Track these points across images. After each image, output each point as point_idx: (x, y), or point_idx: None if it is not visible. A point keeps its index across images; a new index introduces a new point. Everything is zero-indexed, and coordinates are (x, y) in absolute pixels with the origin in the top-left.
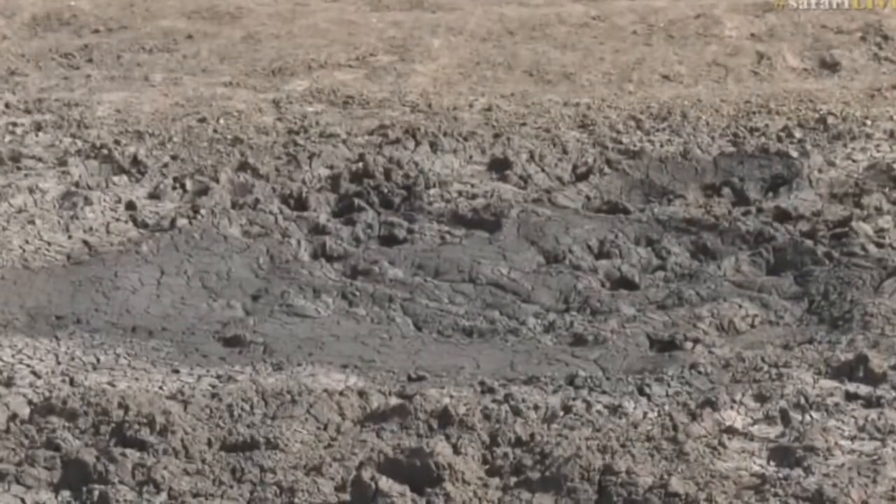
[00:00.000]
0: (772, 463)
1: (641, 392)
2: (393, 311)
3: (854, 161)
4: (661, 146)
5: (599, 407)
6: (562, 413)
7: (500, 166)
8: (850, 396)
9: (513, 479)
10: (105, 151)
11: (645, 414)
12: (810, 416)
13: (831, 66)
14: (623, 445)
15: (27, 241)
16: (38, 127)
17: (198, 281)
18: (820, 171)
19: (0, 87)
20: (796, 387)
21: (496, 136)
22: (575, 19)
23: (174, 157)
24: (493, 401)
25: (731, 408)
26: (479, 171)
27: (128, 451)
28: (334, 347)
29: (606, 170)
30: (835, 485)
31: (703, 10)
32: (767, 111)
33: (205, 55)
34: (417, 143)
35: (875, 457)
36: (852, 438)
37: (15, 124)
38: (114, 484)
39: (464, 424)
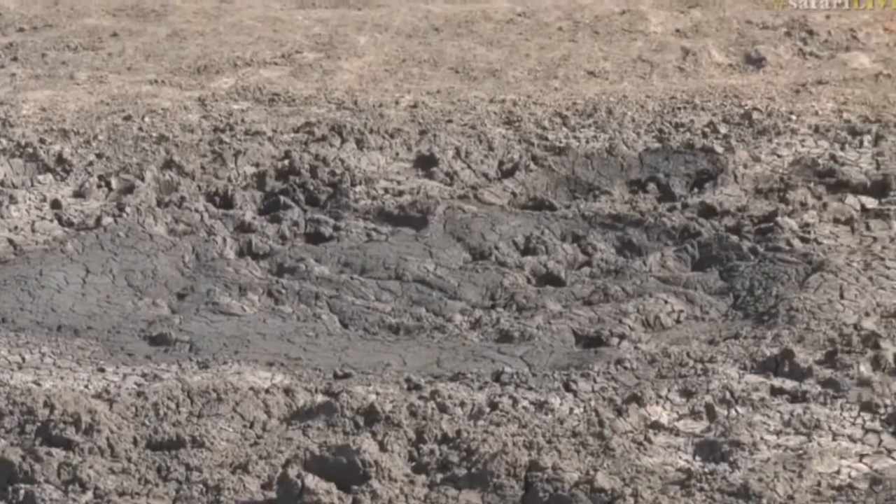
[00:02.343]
0: (697, 458)
1: (567, 388)
2: (319, 308)
3: (779, 156)
4: (587, 142)
5: (525, 403)
6: (488, 410)
7: (426, 163)
8: (776, 391)
9: (439, 476)
10: (30, 150)
11: (571, 410)
12: (736, 411)
13: (756, 62)
14: (549, 441)
15: None
16: None
17: (123, 279)
18: (745, 166)
19: None
20: (722, 382)
21: (422, 132)
22: (500, 16)
23: (99, 156)
24: (420, 398)
25: (657, 403)
26: (406, 168)
27: (53, 450)
28: (260, 345)
29: (532, 166)
30: (760, 479)
31: (629, 6)
32: (692, 107)
33: (130, 53)
34: (343, 141)
35: (800, 451)
36: (778, 433)
37: None
38: (40, 483)
39: (390, 421)
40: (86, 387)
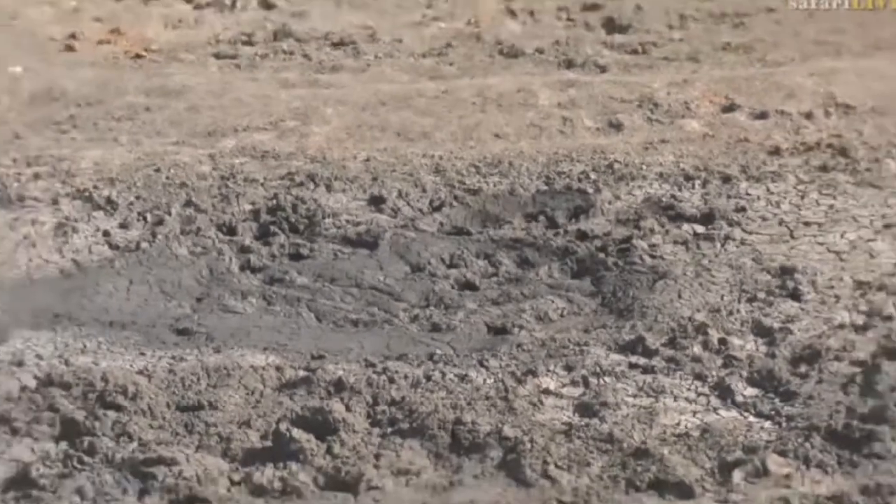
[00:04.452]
0: (577, 414)
1: (482, 364)
2: (300, 308)
3: (634, 195)
4: (494, 186)
5: (451, 376)
6: (424, 381)
7: (377, 202)
8: (632, 366)
9: (389, 429)
10: (86, 194)
11: (485, 380)
12: (604, 380)
13: (616, 126)
14: (469, 403)
15: (30, 260)
16: (37, 176)
17: (157, 288)
18: (609, 203)
19: (7, 147)
20: (594, 359)
21: (374, 179)
22: (430, 93)
23: (137, 198)
24: (374, 372)
25: (547, 375)
26: (362, 205)
27: (108, 412)
28: (257, 335)
29: (455, 203)
30: (622, 430)
31: (524, 85)
32: (571, 160)
33: (158, 122)
34: (316, 185)
35: (651, 409)
36: (634, 396)
37: (20, 174)
38: (98, 436)
39: (353, 389)
40: (130, 366)
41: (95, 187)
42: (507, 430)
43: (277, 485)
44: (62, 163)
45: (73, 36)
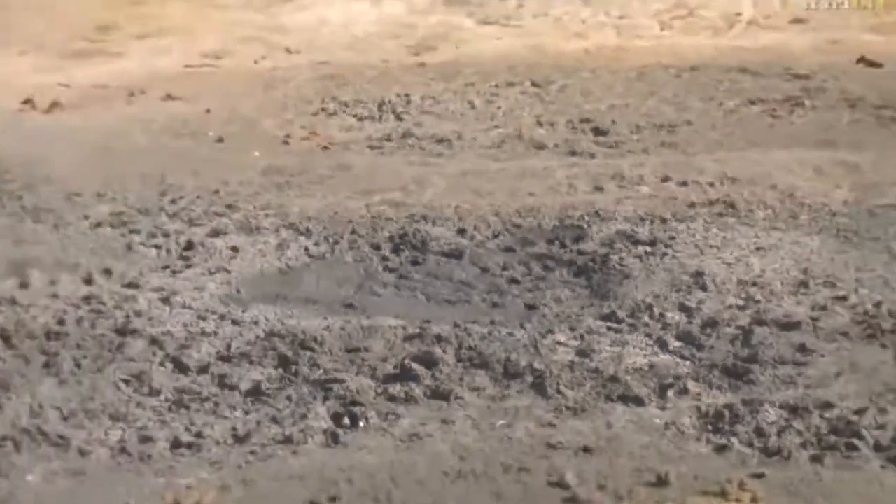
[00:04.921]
0: (577, 356)
1: (521, 327)
2: (416, 293)
3: (610, 229)
4: (529, 223)
5: (503, 333)
6: (487, 335)
7: (461, 232)
8: (609, 328)
9: (467, 364)
10: (295, 225)
11: (523, 335)
12: (592, 336)
13: (600, 189)
14: (514, 349)
15: (263, 264)
16: (267, 215)
17: (334, 280)
18: (596, 233)
19: (250, 198)
20: (586, 324)
21: (460, 219)
22: (493, 170)
23: (324, 228)
24: (459, 331)
25: (560, 333)
26: (453, 233)
27: (305, 352)
28: (392, 309)
29: (506, 233)
30: (603, 365)
31: (546, 166)
32: (574, 208)
33: (337, 185)
34: (426, 222)
35: (619, 354)
36: (610, 346)
37: (257, 214)
38: (299, 366)
39: (447, 341)
40: (318, 325)
41: (300, 222)
42: (536, 365)
43: (402, 395)
44: (282, 207)
45: (288, 135)
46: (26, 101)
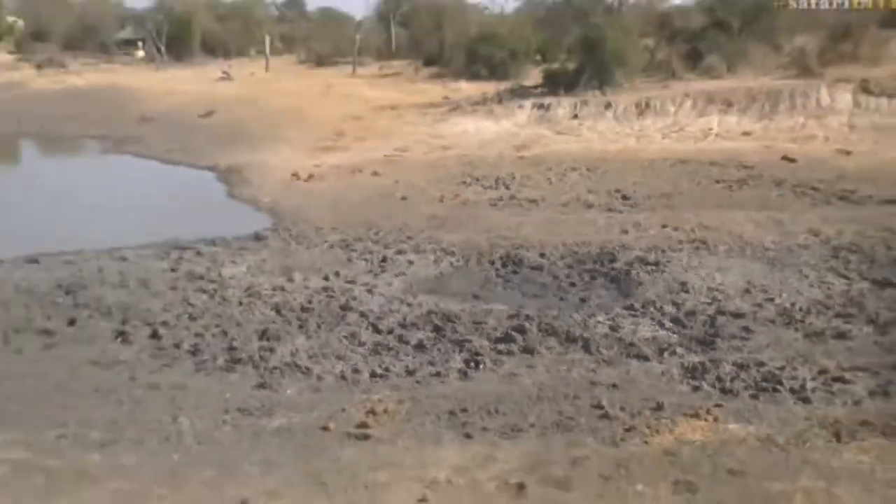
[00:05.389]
0: (609, 329)
1: (576, 311)
2: (514, 291)
3: (630, 256)
4: (582, 250)
5: (566, 315)
6: (556, 315)
7: (541, 255)
8: (629, 315)
9: (545, 333)
10: (447, 250)
11: (577, 317)
12: (619, 319)
13: (626, 232)
14: (572, 325)
15: (418, 276)
16: (418, 244)
17: (467, 282)
18: (622, 257)
19: (398, 233)
20: (615, 311)
21: (542, 247)
22: (562, 219)
23: (462, 251)
24: (539, 313)
25: (598, 316)
26: (536, 256)
27: (455, 324)
28: (498, 299)
29: (568, 256)
30: (625, 335)
31: (592, 218)
32: (610, 243)
33: (471, 227)
34: (522, 249)
35: (635, 330)
36: (630, 325)
37: (406, 247)
38: (448, 332)
39: (532, 319)
40: (455, 307)
41: (448, 247)
42: (585, 334)
43: (505, 350)
44: (437, 239)
45: (442, 197)
46: (294, 175)
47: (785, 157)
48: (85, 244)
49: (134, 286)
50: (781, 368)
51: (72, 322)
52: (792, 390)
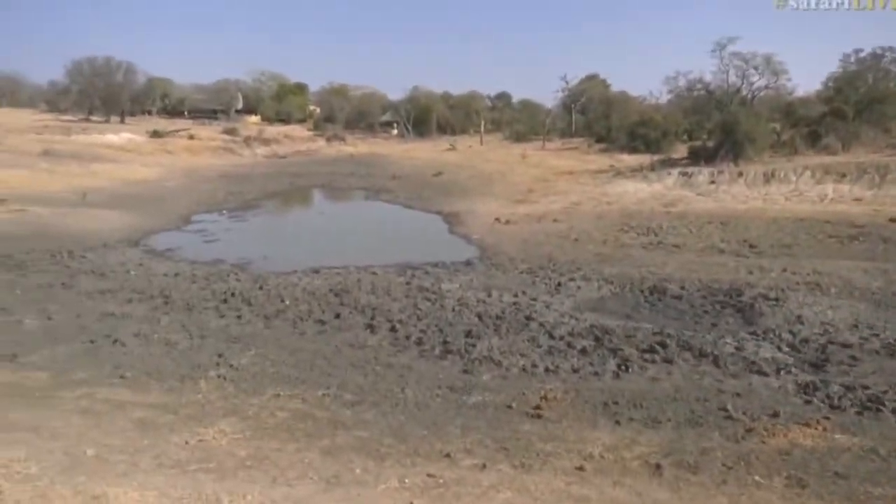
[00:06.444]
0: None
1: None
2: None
3: (753, 292)
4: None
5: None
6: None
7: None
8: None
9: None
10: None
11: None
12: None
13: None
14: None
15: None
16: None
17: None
18: (750, 293)
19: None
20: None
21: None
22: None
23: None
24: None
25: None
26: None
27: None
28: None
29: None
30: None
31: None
32: (733, 281)
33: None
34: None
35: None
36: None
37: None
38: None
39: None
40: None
41: (608, 277)
42: (715, 352)
43: (650, 358)
44: (600, 270)
45: (606, 240)
46: (496, 219)
47: (892, 220)
48: (349, 262)
49: (380, 293)
50: (885, 392)
51: (337, 315)
52: (894, 411)
